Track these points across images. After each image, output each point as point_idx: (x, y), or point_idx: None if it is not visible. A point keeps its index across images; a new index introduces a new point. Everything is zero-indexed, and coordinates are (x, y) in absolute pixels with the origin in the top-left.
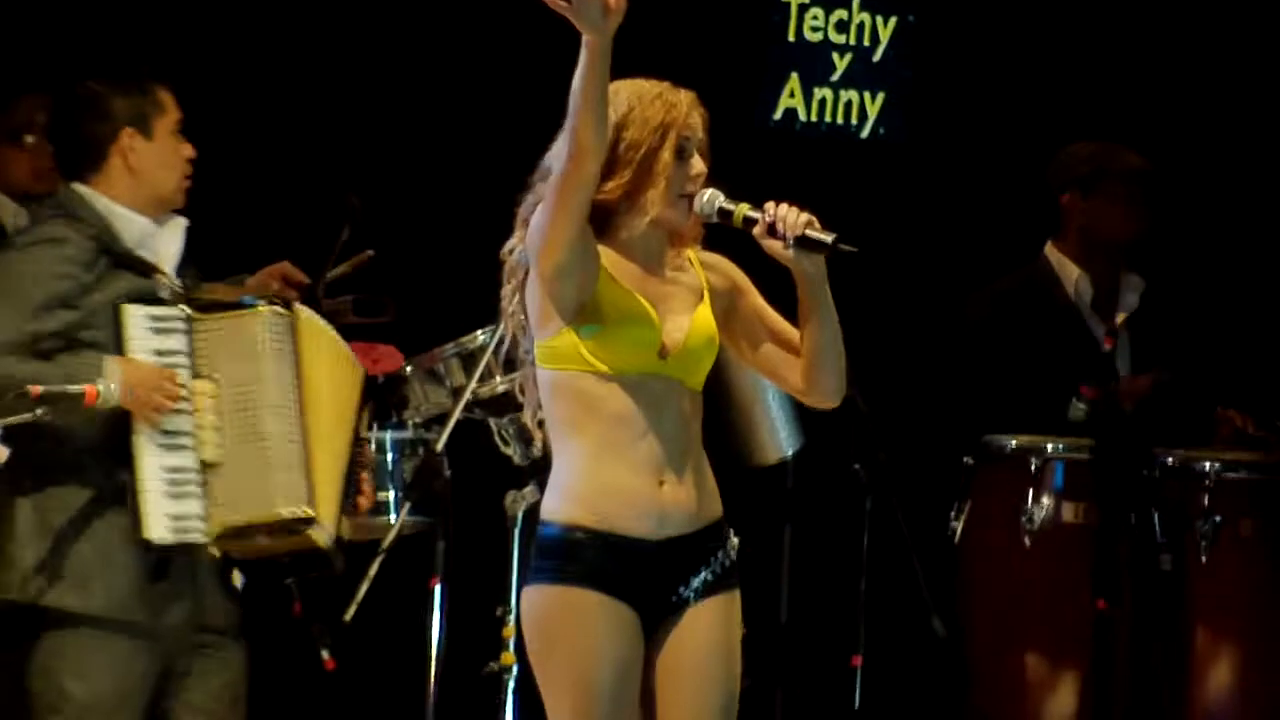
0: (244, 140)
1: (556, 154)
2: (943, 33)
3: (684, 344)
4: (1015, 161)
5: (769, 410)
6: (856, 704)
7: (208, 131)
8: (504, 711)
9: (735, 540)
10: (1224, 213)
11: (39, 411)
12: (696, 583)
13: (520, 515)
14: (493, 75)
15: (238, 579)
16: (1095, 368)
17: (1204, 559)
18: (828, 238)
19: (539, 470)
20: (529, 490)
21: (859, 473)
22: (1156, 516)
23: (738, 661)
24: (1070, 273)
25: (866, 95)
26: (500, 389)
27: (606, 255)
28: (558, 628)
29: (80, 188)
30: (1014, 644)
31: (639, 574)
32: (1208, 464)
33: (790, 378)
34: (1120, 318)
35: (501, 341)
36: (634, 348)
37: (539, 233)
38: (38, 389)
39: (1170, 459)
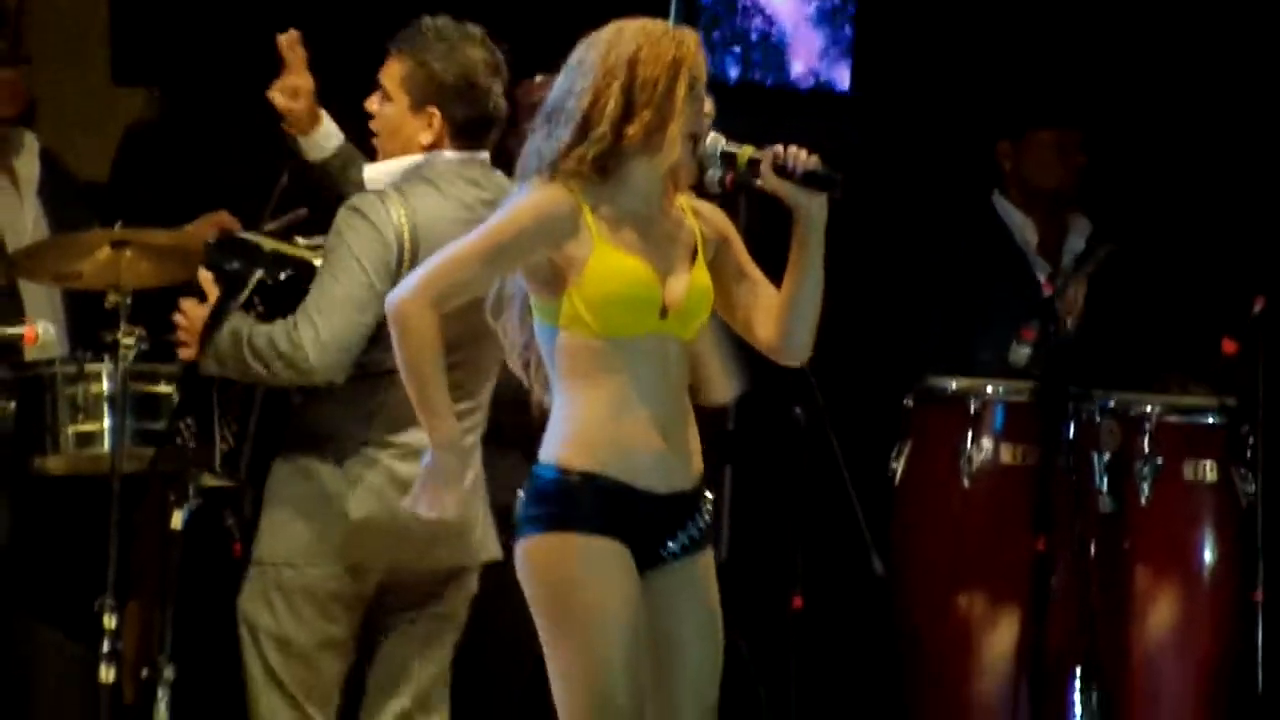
0: (192, 88)
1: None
2: None
3: (684, 302)
4: (962, 109)
5: (721, 349)
6: (795, 644)
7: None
8: None
9: (709, 495)
10: (1172, 163)
11: None
12: (683, 538)
13: None
14: None
15: (178, 520)
16: (1036, 311)
17: (1144, 501)
18: (835, 174)
19: None
20: None
21: (798, 415)
22: (1096, 458)
23: (720, 622)
24: (1016, 219)
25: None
26: None
27: (603, 211)
28: (565, 575)
29: None
30: (953, 584)
31: (637, 524)
32: (1148, 407)
33: (760, 331)
34: (1066, 261)
35: None
36: (637, 312)
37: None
38: None
39: (1111, 402)
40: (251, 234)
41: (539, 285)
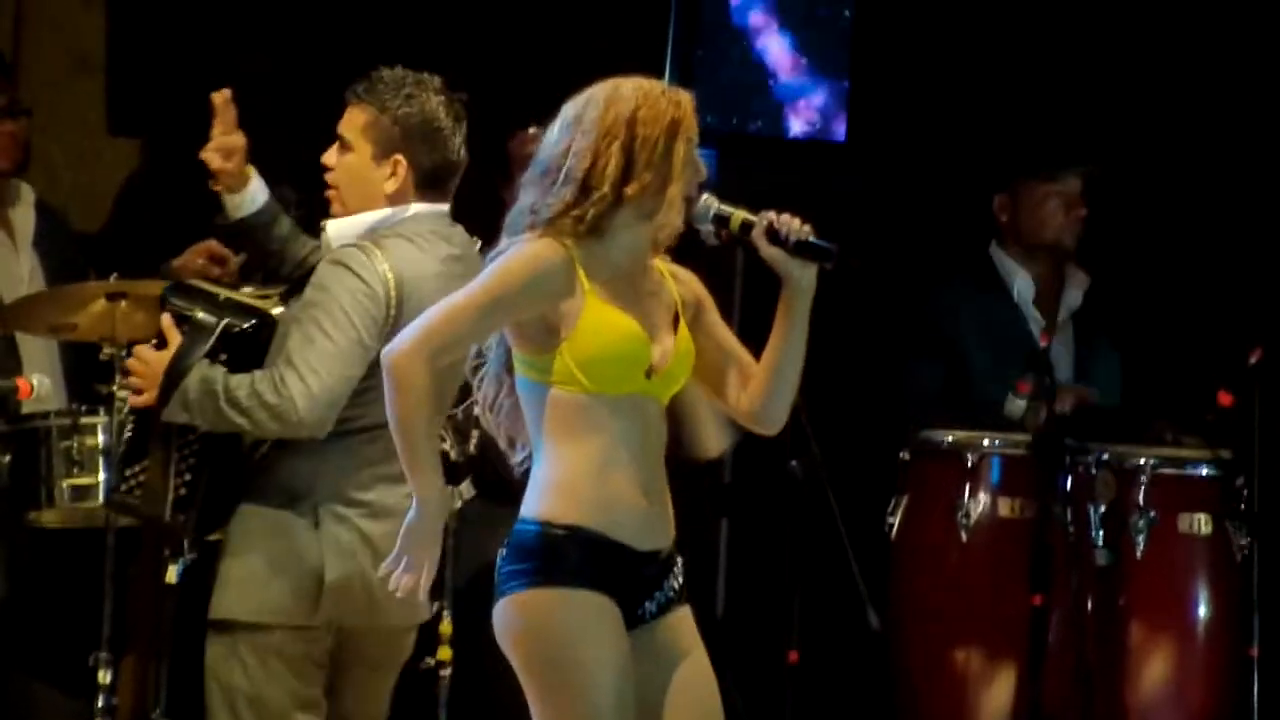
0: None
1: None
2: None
3: (669, 363)
4: (961, 158)
5: (711, 404)
6: (791, 698)
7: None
8: (440, 706)
9: (680, 560)
10: (1169, 213)
11: None
12: (659, 598)
13: (454, 512)
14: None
15: (173, 575)
16: (1032, 364)
17: (1139, 554)
18: (830, 245)
19: (475, 466)
20: (465, 486)
21: (795, 468)
22: (1092, 511)
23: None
24: (1012, 271)
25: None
26: None
27: (595, 268)
28: (553, 633)
29: None
30: (950, 638)
31: (622, 578)
32: (1143, 459)
33: (733, 398)
34: (1063, 315)
35: None
36: (627, 369)
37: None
38: None
39: (1106, 455)
40: (205, 283)
41: (527, 341)
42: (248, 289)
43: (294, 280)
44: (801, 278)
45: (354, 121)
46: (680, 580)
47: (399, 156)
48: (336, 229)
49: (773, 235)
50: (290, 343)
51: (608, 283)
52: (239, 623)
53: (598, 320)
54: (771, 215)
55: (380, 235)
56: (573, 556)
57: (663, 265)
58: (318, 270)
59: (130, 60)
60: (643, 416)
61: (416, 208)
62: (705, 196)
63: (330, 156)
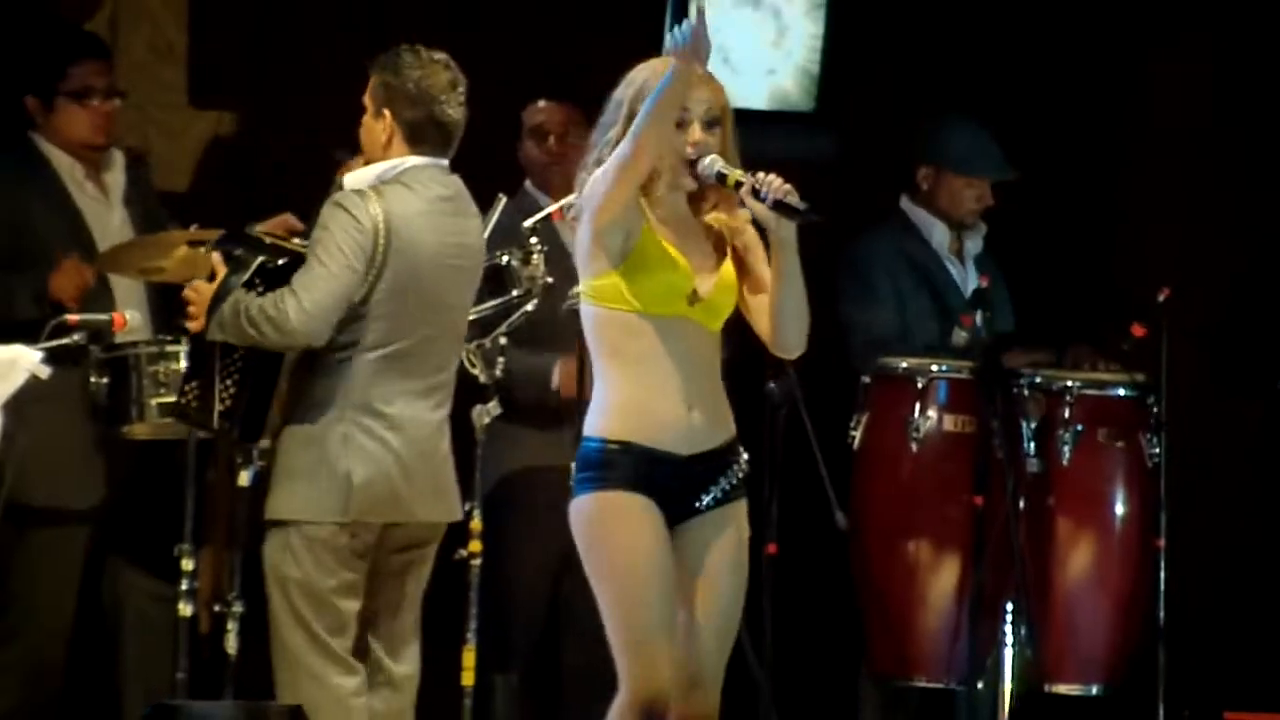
0: (258, 111)
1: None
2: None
3: (710, 295)
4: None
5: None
6: (771, 584)
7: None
8: (471, 591)
9: (745, 456)
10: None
11: (75, 337)
12: (715, 492)
13: (483, 426)
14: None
15: (245, 479)
16: (975, 301)
17: (1065, 462)
18: (801, 205)
19: (501, 388)
20: (492, 405)
21: (773, 389)
22: (1025, 426)
23: (745, 564)
24: (929, 223)
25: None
26: (470, 317)
27: (652, 212)
28: (603, 526)
29: None
30: (904, 535)
31: (668, 482)
32: (1069, 382)
33: (762, 328)
34: (968, 259)
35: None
36: (667, 293)
37: (596, 197)
38: (74, 317)
39: (1037, 378)
40: (258, 232)
41: (601, 253)
42: (296, 240)
43: None
44: (778, 229)
45: (368, 88)
46: (740, 476)
47: (386, 111)
48: (350, 179)
49: (755, 193)
50: (296, 272)
51: (663, 220)
52: (287, 521)
53: (649, 247)
54: (760, 175)
55: (384, 183)
56: (621, 466)
57: (721, 216)
58: (322, 212)
59: (212, 42)
60: (686, 338)
61: (413, 160)
62: (712, 157)
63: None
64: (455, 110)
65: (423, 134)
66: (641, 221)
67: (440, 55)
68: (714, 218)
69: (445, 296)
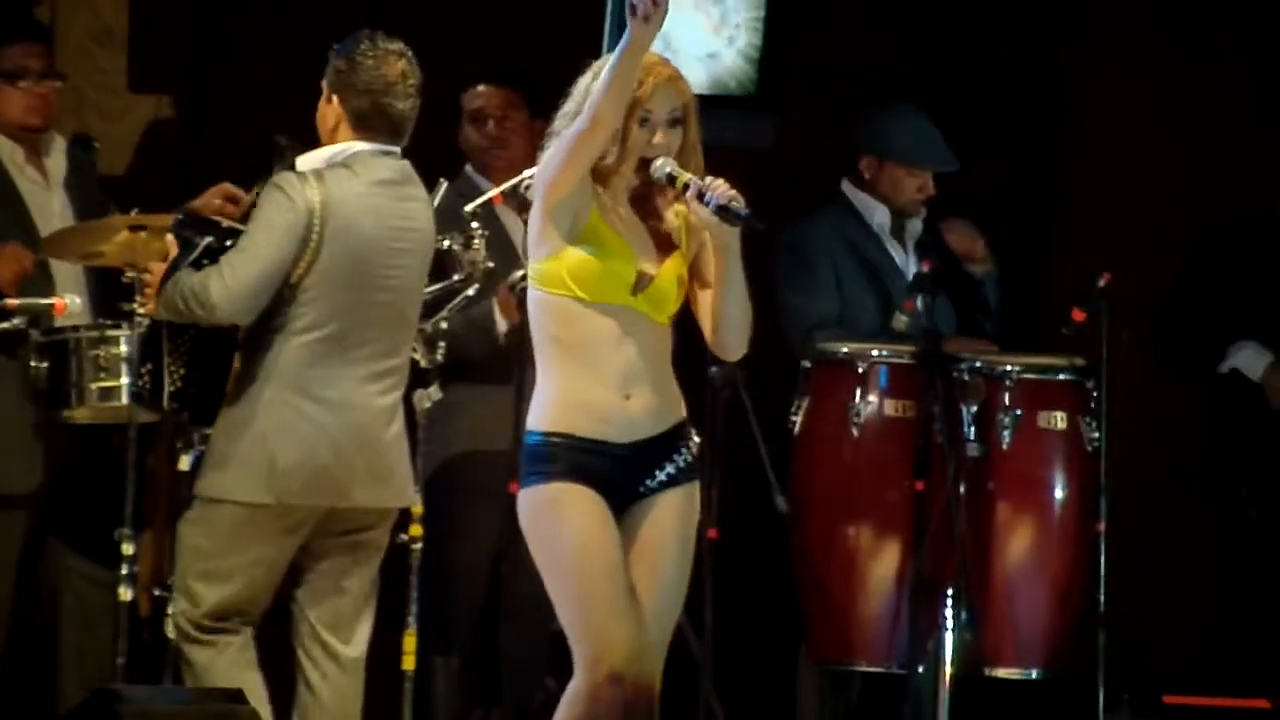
0: (197, 95)
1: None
2: None
3: (654, 285)
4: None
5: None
6: (711, 568)
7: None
8: (412, 575)
9: (696, 438)
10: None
11: (15, 322)
12: (661, 476)
13: (424, 410)
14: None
15: (185, 463)
16: (917, 286)
17: (1005, 446)
18: (743, 212)
19: (442, 372)
20: (433, 389)
21: (714, 374)
22: (965, 410)
23: (692, 543)
24: (871, 206)
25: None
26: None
27: (603, 198)
28: (549, 517)
29: None
30: (844, 519)
31: (610, 471)
32: (1009, 366)
33: (706, 329)
34: (908, 242)
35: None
36: (610, 280)
37: (548, 171)
38: (13, 301)
39: (977, 362)
40: (194, 206)
41: (552, 229)
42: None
43: None
44: (720, 233)
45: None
46: (688, 459)
47: (335, 98)
48: (302, 161)
49: (700, 196)
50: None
51: (614, 209)
52: (209, 499)
53: (598, 230)
54: (708, 179)
55: (329, 166)
56: (562, 458)
57: (684, 210)
58: (262, 193)
59: (151, 25)
60: (627, 327)
61: (360, 145)
62: (663, 159)
63: None
64: (403, 102)
65: (368, 122)
66: (591, 204)
67: (396, 45)
68: (677, 211)
69: (388, 280)
